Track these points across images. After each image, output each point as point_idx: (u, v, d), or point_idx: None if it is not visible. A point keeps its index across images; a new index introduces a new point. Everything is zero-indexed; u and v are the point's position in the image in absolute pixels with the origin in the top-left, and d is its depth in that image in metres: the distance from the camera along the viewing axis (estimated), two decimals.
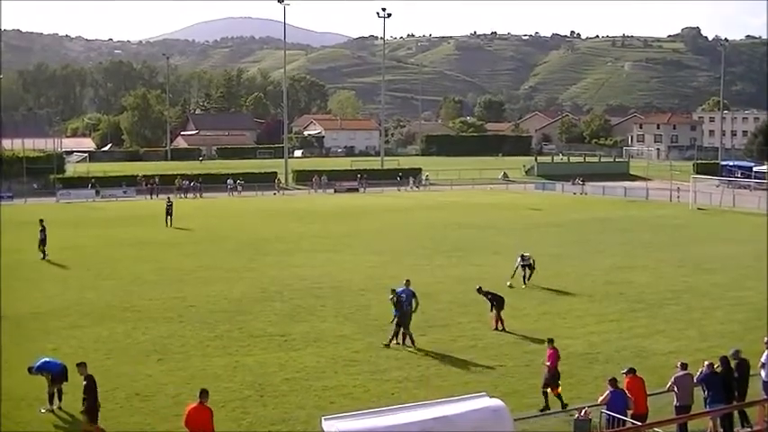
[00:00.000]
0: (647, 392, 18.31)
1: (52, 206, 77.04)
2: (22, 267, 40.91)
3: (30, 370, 20.91)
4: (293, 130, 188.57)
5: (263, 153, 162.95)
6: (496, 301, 28.48)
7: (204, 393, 16.85)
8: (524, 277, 35.74)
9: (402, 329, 26.08)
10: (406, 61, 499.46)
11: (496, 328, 28.04)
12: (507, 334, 27.65)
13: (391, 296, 26.45)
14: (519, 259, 35.98)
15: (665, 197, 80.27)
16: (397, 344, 26.01)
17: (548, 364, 20.74)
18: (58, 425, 19.82)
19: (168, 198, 63.47)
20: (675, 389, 18.60)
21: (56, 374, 20.52)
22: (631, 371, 18.37)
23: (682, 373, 18.69)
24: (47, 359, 21.22)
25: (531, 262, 35.94)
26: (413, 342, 26.04)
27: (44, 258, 43.47)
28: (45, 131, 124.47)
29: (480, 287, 29.25)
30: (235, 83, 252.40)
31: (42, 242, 44.24)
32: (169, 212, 59.26)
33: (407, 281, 27.42)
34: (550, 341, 21.32)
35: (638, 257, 44.23)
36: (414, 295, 26.74)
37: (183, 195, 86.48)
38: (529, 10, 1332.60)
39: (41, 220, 45.19)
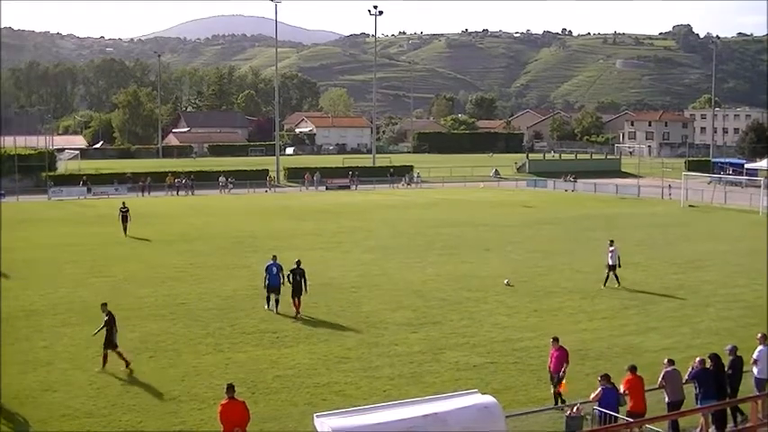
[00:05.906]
0: None
1: (44, 204, 76.88)
2: (13, 266, 40.70)
3: None
4: (285, 128, 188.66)
5: (254, 150, 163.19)
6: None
7: (231, 388, 16.70)
8: (615, 277, 34.97)
9: (275, 296, 30.18)
10: (398, 59, 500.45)
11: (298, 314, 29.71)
12: (499, 330, 27.68)
13: (288, 274, 30.15)
14: (610, 248, 35.24)
15: (657, 194, 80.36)
16: (271, 310, 29.97)
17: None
18: (48, 423, 19.73)
19: (123, 203, 54.90)
20: (665, 385, 18.61)
21: None
22: (633, 368, 18.32)
23: (670, 368, 18.69)
24: None
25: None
26: (277, 305, 30.07)
27: None
28: (37, 129, 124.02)
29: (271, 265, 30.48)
30: (226, 80, 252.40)
31: None
32: (125, 219, 52.25)
33: (274, 256, 31.20)
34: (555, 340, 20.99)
35: (630, 255, 44.14)
36: (281, 268, 30.23)
37: (175, 193, 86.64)
38: (520, 7, 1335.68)
39: None
